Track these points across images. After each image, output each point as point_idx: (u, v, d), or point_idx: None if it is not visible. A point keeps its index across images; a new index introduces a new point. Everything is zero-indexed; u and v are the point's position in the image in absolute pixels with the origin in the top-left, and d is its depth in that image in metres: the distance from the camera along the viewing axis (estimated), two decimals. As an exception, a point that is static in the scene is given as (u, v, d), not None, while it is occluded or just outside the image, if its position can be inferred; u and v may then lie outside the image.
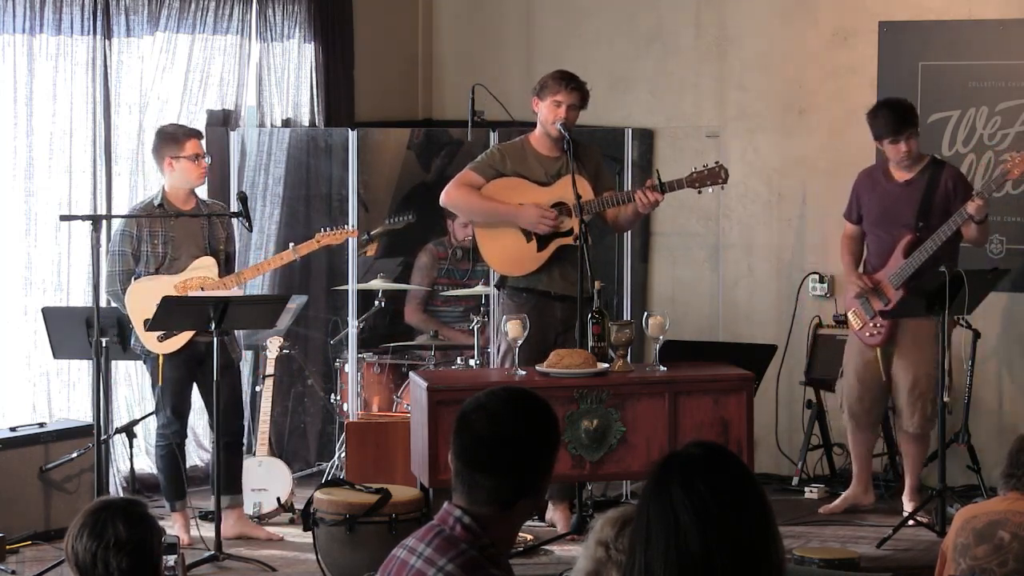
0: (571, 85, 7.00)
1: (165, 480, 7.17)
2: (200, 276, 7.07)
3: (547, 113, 7.01)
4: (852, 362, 7.49)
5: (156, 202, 7.07)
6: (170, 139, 7.09)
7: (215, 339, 6.67)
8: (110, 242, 7.11)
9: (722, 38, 8.56)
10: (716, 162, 7.02)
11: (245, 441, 8.02)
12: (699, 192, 7.10)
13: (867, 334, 7.40)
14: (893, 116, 7.23)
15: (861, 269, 7.49)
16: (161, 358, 6.98)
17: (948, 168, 7.37)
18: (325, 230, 7.31)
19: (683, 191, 7.12)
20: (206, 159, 7.15)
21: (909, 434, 7.38)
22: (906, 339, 7.30)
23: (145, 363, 7.18)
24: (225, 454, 6.99)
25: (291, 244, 7.29)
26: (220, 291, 6.98)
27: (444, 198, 7.10)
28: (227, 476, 7.03)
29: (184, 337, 6.95)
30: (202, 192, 7.40)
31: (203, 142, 7.22)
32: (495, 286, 7.26)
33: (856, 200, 7.48)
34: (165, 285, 6.93)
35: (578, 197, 6.82)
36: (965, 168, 7.82)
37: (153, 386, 7.13)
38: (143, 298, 6.87)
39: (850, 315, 7.48)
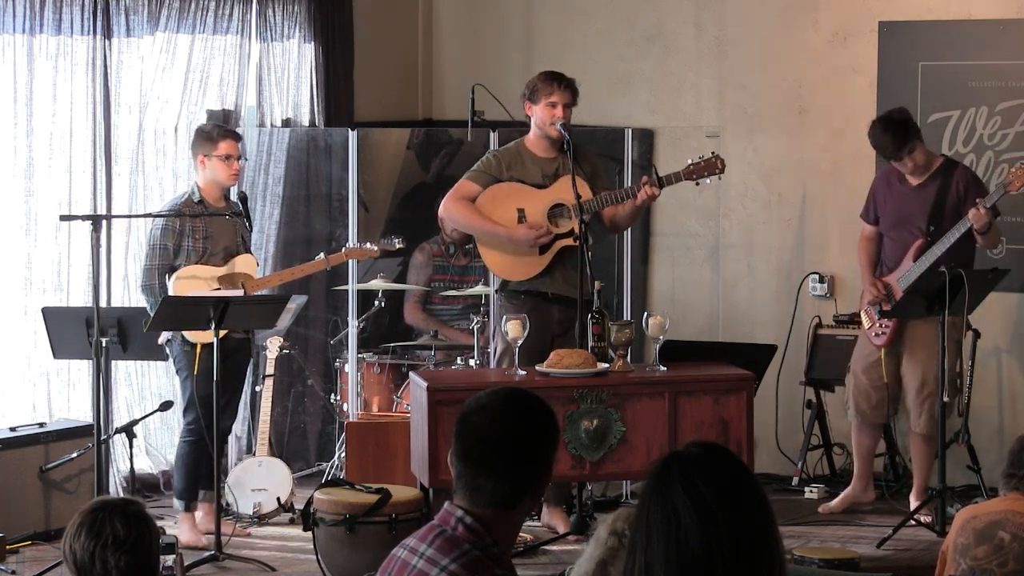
0: (563, 83, 7.01)
1: (185, 478, 7.15)
2: (242, 272, 7.14)
3: (543, 115, 7.01)
4: (861, 361, 7.51)
5: (196, 198, 7.11)
6: (205, 137, 7.19)
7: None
8: (149, 235, 7.13)
9: (722, 38, 8.56)
10: (712, 153, 7.02)
11: (245, 441, 8.07)
12: (696, 184, 7.09)
13: (874, 334, 7.43)
14: (888, 140, 7.24)
15: (878, 271, 7.51)
16: (199, 347, 6.99)
17: (960, 170, 7.36)
18: (350, 245, 7.57)
19: (682, 187, 7.12)
20: (240, 160, 7.26)
21: (918, 435, 7.39)
22: (912, 340, 7.32)
23: (177, 357, 7.13)
24: (219, 449, 7.01)
25: (321, 254, 7.48)
26: (261, 290, 7.14)
27: (442, 210, 7.16)
28: (215, 471, 7.04)
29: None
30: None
31: (240, 144, 7.35)
32: (495, 290, 7.26)
33: (873, 202, 7.50)
34: (211, 275, 7.03)
35: (578, 197, 6.82)
36: (965, 168, 7.82)
37: (186, 379, 7.12)
38: (190, 288, 6.88)
39: (863, 314, 7.52)
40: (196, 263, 7.07)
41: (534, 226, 6.99)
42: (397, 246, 7.97)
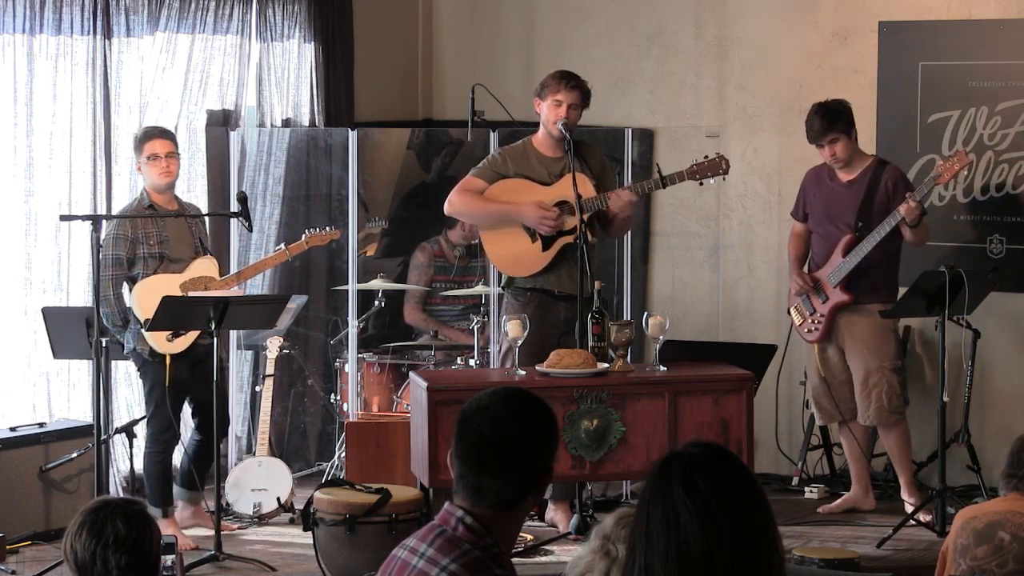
0: (571, 84, 7.01)
1: (158, 486, 7.11)
2: (203, 276, 7.07)
3: (548, 113, 7.02)
4: (811, 361, 7.60)
5: (146, 202, 7.07)
6: (135, 145, 7.14)
7: (215, 340, 6.66)
8: (103, 244, 7.05)
9: (722, 38, 8.56)
10: (717, 153, 7.04)
11: (245, 441, 8.07)
12: (700, 184, 7.11)
13: (806, 330, 7.52)
14: (815, 123, 7.33)
15: (807, 267, 7.58)
16: (168, 358, 6.96)
17: (890, 169, 7.42)
18: (310, 231, 7.42)
19: (683, 187, 7.11)
20: (172, 156, 7.08)
21: (864, 427, 7.48)
22: (849, 334, 7.41)
23: (142, 367, 7.12)
24: (208, 451, 6.99)
25: (283, 244, 7.35)
26: (223, 291, 7.00)
27: (447, 206, 7.13)
28: (205, 473, 7.01)
29: (191, 336, 6.94)
30: (181, 193, 7.40)
31: (167, 140, 7.15)
32: (501, 287, 7.26)
33: (803, 198, 7.58)
34: (171, 284, 6.93)
35: (578, 196, 6.82)
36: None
37: (152, 390, 7.09)
38: (152, 297, 6.76)
39: (792, 311, 7.58)
40: (156, 269, 6.99)
41: (544, 207, 6.96)
42: (383, 226, 7.97)
